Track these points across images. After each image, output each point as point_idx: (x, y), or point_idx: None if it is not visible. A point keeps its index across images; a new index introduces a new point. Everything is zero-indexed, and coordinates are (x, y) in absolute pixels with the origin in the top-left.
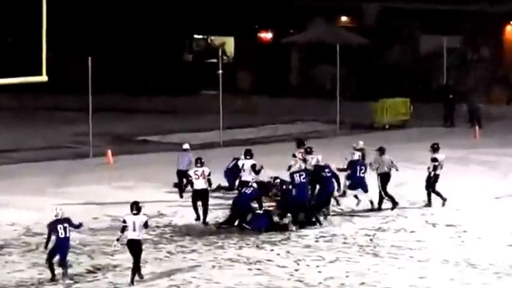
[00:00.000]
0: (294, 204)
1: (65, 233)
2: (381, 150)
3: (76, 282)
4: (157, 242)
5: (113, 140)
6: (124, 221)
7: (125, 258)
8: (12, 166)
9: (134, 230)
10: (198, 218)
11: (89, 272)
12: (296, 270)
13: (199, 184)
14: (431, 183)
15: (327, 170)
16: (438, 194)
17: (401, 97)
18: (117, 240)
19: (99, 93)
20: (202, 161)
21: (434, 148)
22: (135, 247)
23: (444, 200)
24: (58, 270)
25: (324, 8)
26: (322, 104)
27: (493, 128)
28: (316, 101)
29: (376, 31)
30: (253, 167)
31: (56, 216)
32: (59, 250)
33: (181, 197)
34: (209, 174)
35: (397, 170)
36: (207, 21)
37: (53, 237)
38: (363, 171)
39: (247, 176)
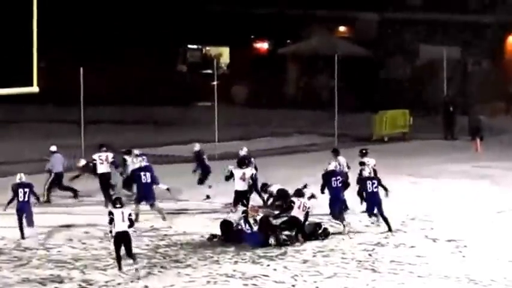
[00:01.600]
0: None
1: (24, 197)
2: (336, 152)
3: None
4: (151, 257)
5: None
6: (111, 213)
7: (118, 273)
8: (1, 179)
9: (123, 220)
10: (109, 199)
11: (81, 287)
12: (293, 285)
13: (103, 168)
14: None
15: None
16: (363, 198)
17: (400, 109)
18: (110, 232)
19: (91, 104)
20: (105, 149)
21: (363, 153)
22: (124, 239)
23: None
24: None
25: (321, 18)
26: (320, 115)
27: (494, 140)
28: (314, 112)
29: (374, 41)
30: (253, 176)
31: (19, 179)
32: (22, 212)
33: (75, 197)
34: (113, 158)
35: (349, 168)
36: (202, 31)
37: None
38: (339, 180)
39: (245, 185)
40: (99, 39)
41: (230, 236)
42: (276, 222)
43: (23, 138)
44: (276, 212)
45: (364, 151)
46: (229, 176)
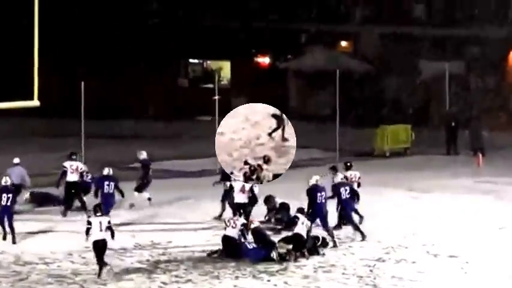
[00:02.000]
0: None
1: (7, 201)
2: (334, 169)
3: None
4: (151, 272)
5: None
6: (89, 223)
7: None
8: None
9: (101, 230)
10: (68, 208)
11: None
12: None
13: (73, 177)
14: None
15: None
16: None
17: (402, 124)
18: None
19: (91, 118)
20: (74, 157)
21: (347, 166)
22: (102, 248)
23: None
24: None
25: (323, 32)
26: (321, 130)
27: (496, 156)
28: (315, 127)
29: (376, 56)
30: (252, 187)
31: (5, 182)
32: (5, 215)
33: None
34: (82, 168)
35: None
36: (203, 45)
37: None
38: (323, 196)
39: (245, 198)
40: (100, 54)
41: (231, 252)
42: (277, 237)
43: (21, 152)
44: (279, 227)
45: (348, 164)
46: (229, 190)
